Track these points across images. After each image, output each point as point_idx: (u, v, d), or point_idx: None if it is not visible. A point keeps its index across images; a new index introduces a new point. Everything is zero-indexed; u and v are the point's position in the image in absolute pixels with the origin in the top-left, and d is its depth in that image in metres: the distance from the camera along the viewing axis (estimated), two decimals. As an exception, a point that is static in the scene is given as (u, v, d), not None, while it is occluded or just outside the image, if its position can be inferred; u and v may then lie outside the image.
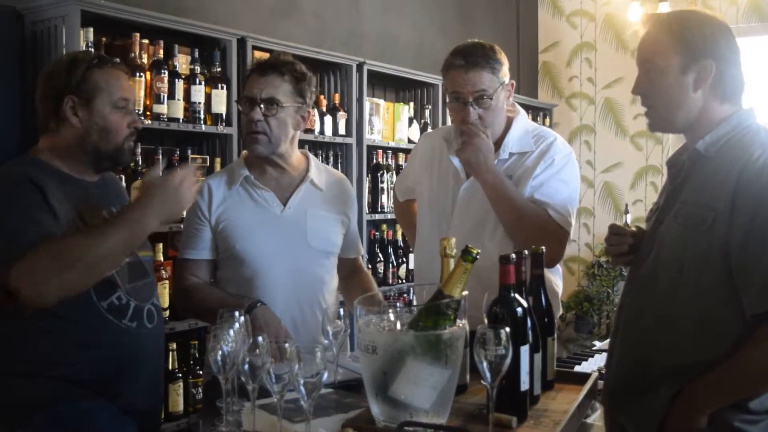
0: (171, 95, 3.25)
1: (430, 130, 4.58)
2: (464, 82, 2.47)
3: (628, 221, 2.11)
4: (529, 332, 1.78)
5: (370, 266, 4.47)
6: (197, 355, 3.35)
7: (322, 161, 4.06)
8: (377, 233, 4.56)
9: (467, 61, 2.47)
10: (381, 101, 4.65)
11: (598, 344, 4.07)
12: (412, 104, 4.93)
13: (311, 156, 2.61)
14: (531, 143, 2.59)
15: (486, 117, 2.51)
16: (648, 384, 1.91)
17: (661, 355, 1.89)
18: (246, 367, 1.64)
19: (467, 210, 2.59)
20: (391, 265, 4.59)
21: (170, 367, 3.20)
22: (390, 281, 4.58)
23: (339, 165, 4.25)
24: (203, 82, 3.40)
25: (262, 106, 2.38)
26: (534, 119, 6.29)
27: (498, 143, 2.58)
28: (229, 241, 2.42)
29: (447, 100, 2.62)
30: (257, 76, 2.42)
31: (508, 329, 1.58)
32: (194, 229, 2.46)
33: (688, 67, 1.89)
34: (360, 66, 4.38)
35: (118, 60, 2.31)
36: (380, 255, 4.56)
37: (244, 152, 2.63)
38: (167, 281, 3.16)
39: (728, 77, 1.91)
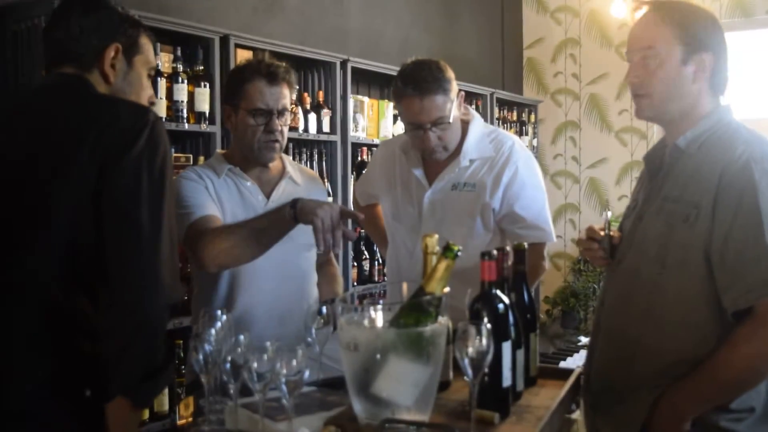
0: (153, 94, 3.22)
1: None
2: (420, 110, 2.49)
3: (609, 218, 2.10)
4: (511, 328, 1.78)
5: (355, 264, 4.47)
6: (182, 355, 3.34)
7: (307, 159, 4.08)
8: (362, 231, 4.56)
9: (420, 89, 2.48)
10: (365, 98, 4.65)
11: (583, 339, 4.09)
12: (396, 101, 4.93)
13: (284, 154, 2.65)
14: (490, 148, 2.64)
15: (445, 136, 2.56)
16: (629, 386, 1.91)
17: (643, 353, 1.90)
18: (228, 366, 1.64)
19: (433, 217, 2.64)
20: (376, 262, 4.58)
21: (155, 367, 3.20)
22: (375, 278, 4.58)
23: (323, 163, 4.24)
24: (186, 81, 3.38)
25: (278, 117, 2.43)
26: (519, 115, 6.31)
27: (456, 150, 2.62)
28: None
29: (401, 122, 2.64)
30: (268, 86, 2.42)
31: (489, 325, 1.58)
32: (201, 195, 2.39)
33: (689, 58, 1.89)
34: (344, 63, 4.37)
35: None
36: (365, 252, 4.55)
37: (221, 150, 2.64)
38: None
39: (721, 71, 1.92)
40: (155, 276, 1.63)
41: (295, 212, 2.11)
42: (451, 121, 2.53)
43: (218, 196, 2.43)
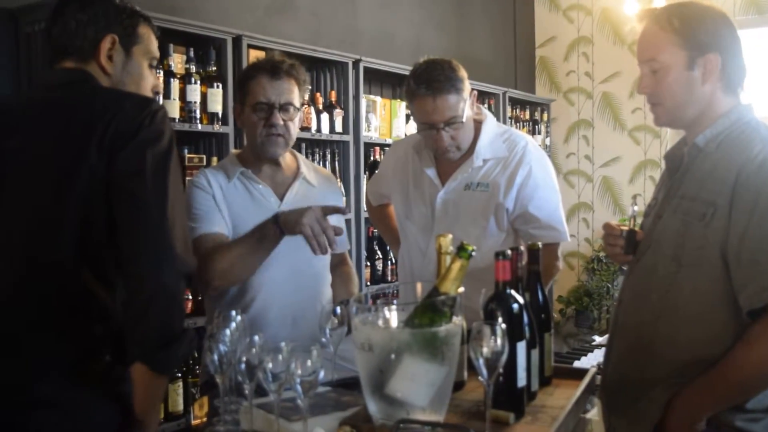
0: (166, 95, 3.24)
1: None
2: (432, 110, 2.49)
3: (635, 212, 2.08)
4: (526, 328, 1.77)
5: (368, 263, 4.47)
6: (196, 355, 3.34)
7: (319, 159, 4.08)
8: (375, 231, 4.56)
9: (432, 89, 2.47)
10: (378, 98, 4.65)
11: (597, 339, 4.07)
12: (409, 101, 4.92)
13: (298, 154, 2.63)
14: (503, 148, 2.63)
15: (458, 136, 2.55)
16: (644, 385, 1.90)
17: (658, 352, 1.89)
18: (242, 366, 1.65)
19: (446, 217, 2.64)
20: (389, 262, 4.58)
21: (169, 367, 3.21)
22: (388, 278, 4.57)
23: (336, 163, 4.25)
24: (199, 81, 3.39)
25: (280, 111, 2.40)
26: (532, 114, 6.30)
27: (470, 150, 2.61)
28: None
29: (415, 122, 2.63)
30: (270, 80, 2.41)
31: (504, 325, 1.58)
32: (208, 206, 2.40)
33: (694, 62, 1.88)
34: (356, 63, 4.37)
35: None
36: (378, 252, 4.55)
37: (235, 150, 2.64)
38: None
39: (733, 68, 1.90)
40: (167, 246, 1.67)
41: (280, 227, 2.13)
42: (464, 120, 2.52)
43: (228, 202, 2.42)
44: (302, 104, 2.51)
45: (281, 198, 2.48)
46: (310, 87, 2.53)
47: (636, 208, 2.08)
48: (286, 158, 2.55)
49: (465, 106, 2.52)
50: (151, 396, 1.75)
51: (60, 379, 1.67)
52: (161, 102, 3.21)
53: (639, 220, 2.09)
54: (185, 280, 1.73)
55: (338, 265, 2.72)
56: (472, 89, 2.59)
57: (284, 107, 2.41)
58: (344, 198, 2.76)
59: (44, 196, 1.70)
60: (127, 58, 1.88)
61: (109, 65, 1.85)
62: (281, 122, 2.41)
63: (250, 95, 2.42)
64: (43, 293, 1.68)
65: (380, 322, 1.69)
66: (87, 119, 1.71)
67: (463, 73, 2.54)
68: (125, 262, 1.68)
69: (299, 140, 2.57)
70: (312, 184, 2.56)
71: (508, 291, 1.76)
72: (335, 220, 2.61)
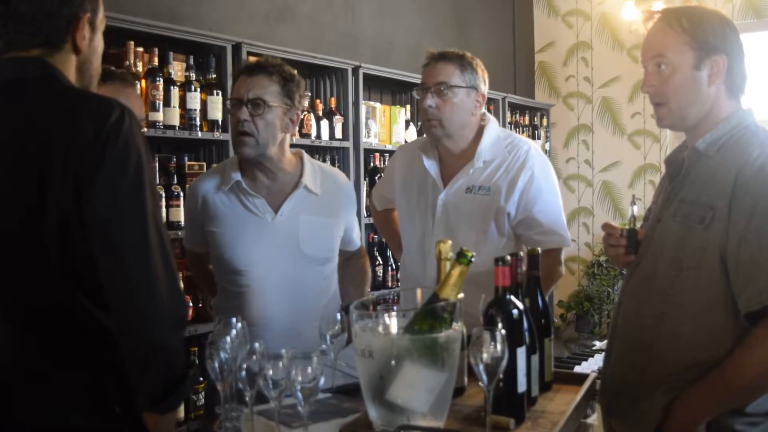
0: (166, 102, 3.25)
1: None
2: (429, 73, 2.60)
3: (635, 213, 2.07)
4: (526, 333, 1.77)
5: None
6: (197, 362, 3.35)
7: (319, 165, 4.08)
8: (376, 236, 4.56)
9: (438, 56, 2.61)
10: (377, 104, 4.65)
11: (598, 344, 4.07)
12: (408, 107, 4.94)
13: (306, 158, 2.55)
14: (504, 151, 2.64)
15: (443, 109, 2.58)
16: (644, 389, 1.90)
17: (658, 355, 1.89)
18: (243, 373, 1.65)
19: (447, 220, 2.63)
20: (390, 268, 4.59)
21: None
22: (389, 284, 4.58)
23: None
24: (199, 89, 3.40)
25: (249, 106, 2.33)
26: (531, 120, 6.31)
27: (471, 152, 2.62)
28: (218, 248, 2.41)
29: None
30: (245, 77, 2.38)
31: (503, 331, 1.58)
32: (190, 220, 2.60)
33: (702, 63, 1.89)
34: (356, 69, 4.38)
35: (125, 75, 2.24)
36: (379, 258, 4.56)
37: None
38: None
39: (737, 72, 1.92)
40: (152, 301, 1.56)
41: None
42: (451, 92, 2.57)
43: (216, 212, 2.44)
44: (288, 104, 2.40)
45: (277, 209, 2.43)
46: (307, 91, 2.50)
47: (636, 208, 2.08)
48: (286, 163, 2.47)
49: (462, 89, 2.58)
50: (166, 427, 1.72)
51: (86, 409, 1.62)
52: (161, 110, 3.22)
53: (639, 222, 2.09)
54: (179, 328, 1.64)
55: (352, 258, 2.72)
56: (483, 94, 2.64)
57: (253, 102, 2.33)
58: (355, 202, 2.72)
59: (15, 228, 1.57)
60: (93, 33, 1.75)
61: (83, 44, 1.70)
62: (247, 117, 2.33)
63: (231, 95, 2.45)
64: (50, 325, 1.60)
65: (380, 329, 1.69)
66: (45, 144, 1.54)
67: (478, 68, 2.65)
68: (113, 314, 1.58)
69: (299, 147, 2.55)
70: (314, 192, 2.47)
71: (507, 297, 1.76)
72: (347, 218, 2.62)
